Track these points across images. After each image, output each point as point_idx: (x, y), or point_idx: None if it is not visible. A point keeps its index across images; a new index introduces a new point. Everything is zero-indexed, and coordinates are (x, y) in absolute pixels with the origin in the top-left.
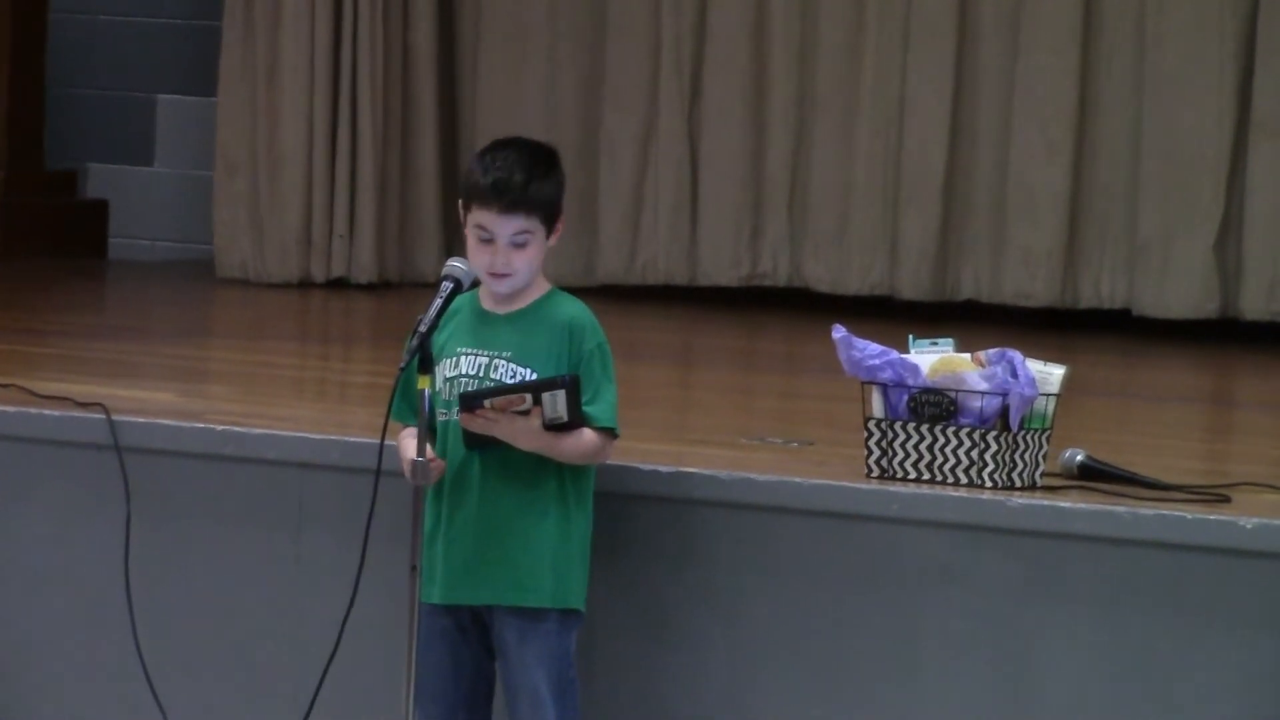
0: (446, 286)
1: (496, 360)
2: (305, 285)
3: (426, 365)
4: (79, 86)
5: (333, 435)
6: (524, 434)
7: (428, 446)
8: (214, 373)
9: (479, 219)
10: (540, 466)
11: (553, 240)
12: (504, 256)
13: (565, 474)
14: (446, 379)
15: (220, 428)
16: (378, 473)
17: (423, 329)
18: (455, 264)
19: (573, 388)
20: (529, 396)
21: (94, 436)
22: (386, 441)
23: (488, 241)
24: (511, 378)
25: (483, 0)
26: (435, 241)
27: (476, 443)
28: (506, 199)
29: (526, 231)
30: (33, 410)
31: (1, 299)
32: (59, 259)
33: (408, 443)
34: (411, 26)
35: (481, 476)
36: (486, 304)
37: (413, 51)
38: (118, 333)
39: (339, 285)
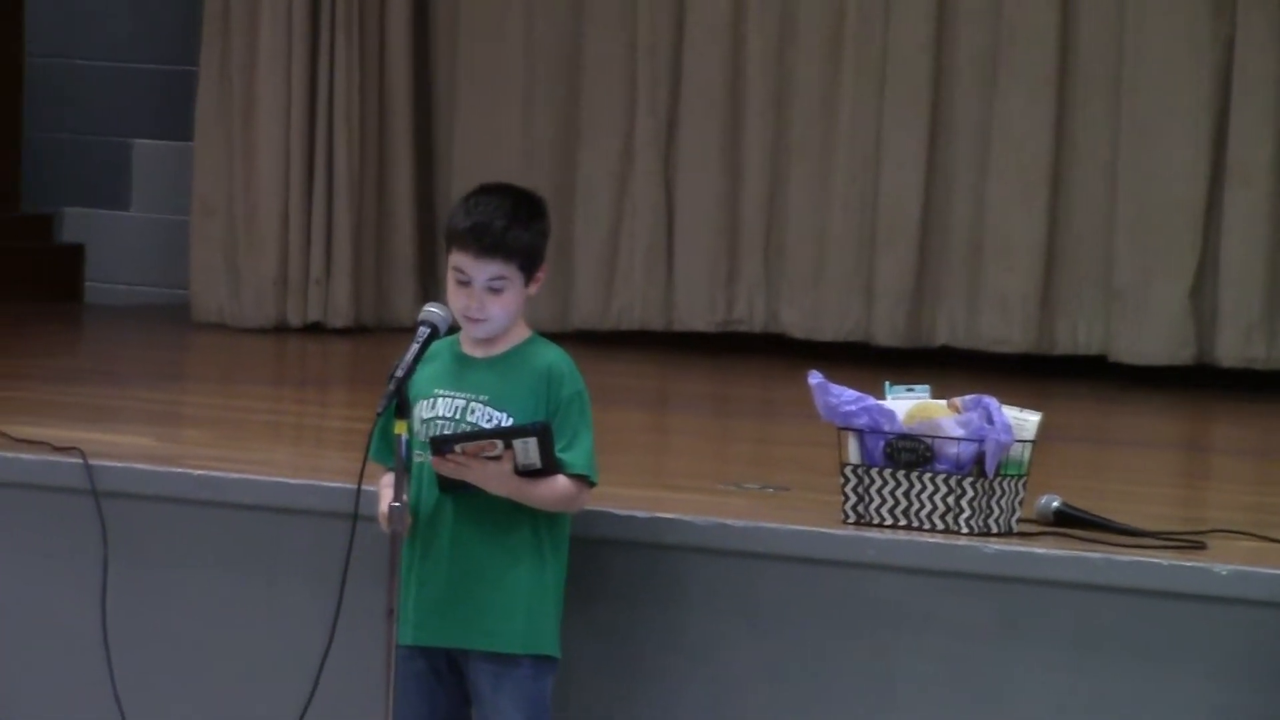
0: (423, 332)
1: (473, 403)
2: (281, 329)
3: (403, 409)
4: (55, 130)
5: (308, 480)
6: (495, 479)
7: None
8: (190, 417)
9: (457, 261)
10: (514, 512)
11: (533, 289)
12: (479, 300)
13: (540, 520)
14: (423, 420)
15: (196, 472)
16: (354, 516)
17: (399, 374)
18: (432, 309)
19: (544, 435)
20: (500, 442)
21: (71, 481)
22: (364, 486)
23: (465, 284)
24: (487, 421)
25: (459, 42)
26: (411, 285)
27: (450, 486)
28: (484, 243)
29: (503, 277)
30: (9, 454)
31: None
32: (35, 303)
33: (386, 491)
34: (388, 69)
35: (454, 520)
36: (466, 348)
37: (389, 95)
38: (94, 377)
39: (315, 330)
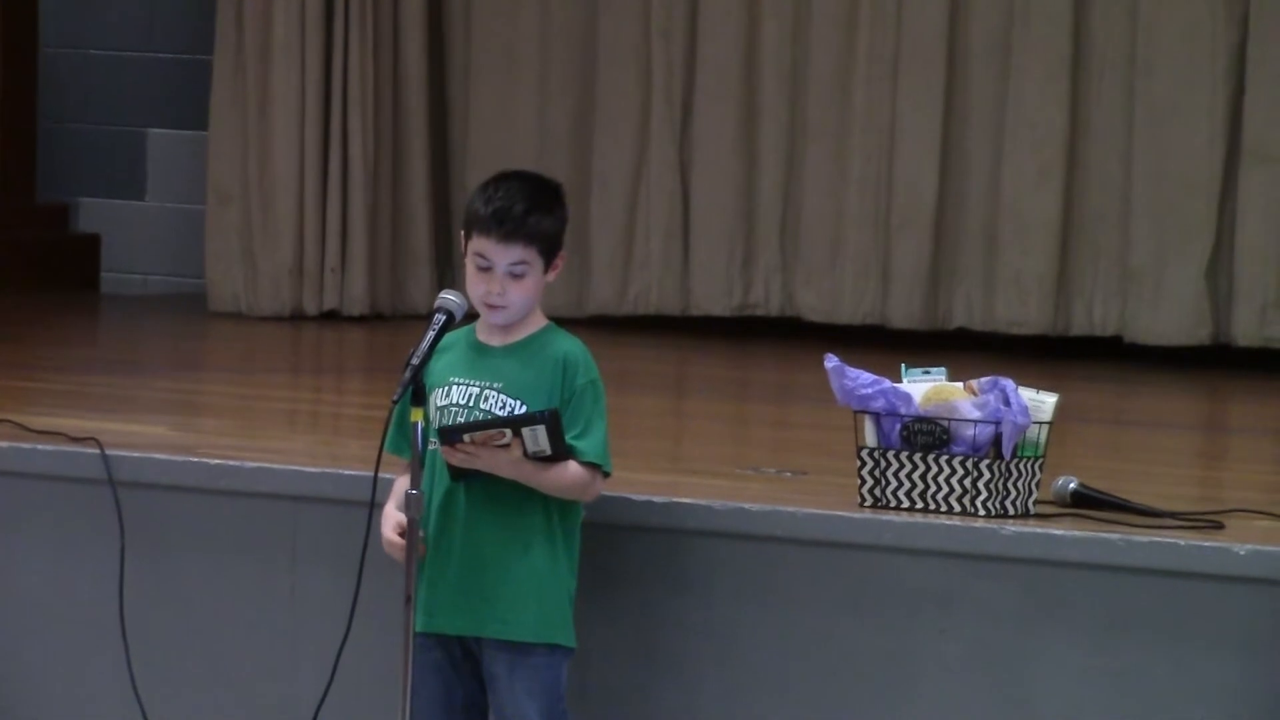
0: (439, 319)
1: (487, 390)
2: (297, 318)
3: (419, 397)
4: (70, 121)
5: (326, 468)
6: (506, 465)
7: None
8: (207, 406)
9: (478, 247)
10: (527, 500)
11: (551, 276)
12: (500, 285)
13: (552, 508)
14: (438, 408)
15: (214, 461)
16: (371, 504)
17: (415, 361)
18: (448, 296)
19: (552, 422)
20: (508, 431)
21: (88, 471)
22: (381, 474)
23: (485, 270)
24: (501, 409)
25: (473, 30)
26: (427, 273)
27: (461, 474)
28: (505, 228)
29: (524, 262)
30: (26, 445)
31: None
32: (51, 293)
33: (390, 514)
34: (402, 58)
35: (466, 508)
36: (482, 336)
37: (403, 83)
38: (111, 367)
39: (331, 317)
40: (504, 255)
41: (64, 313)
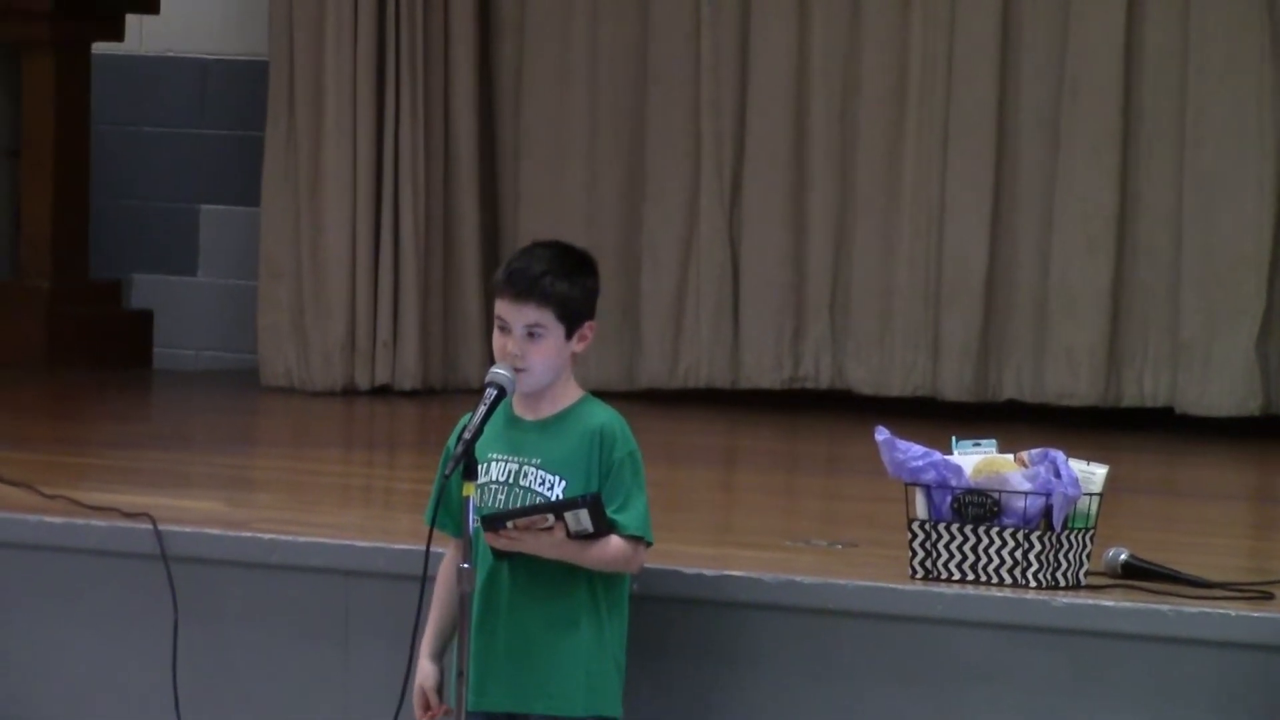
0: (490, 393)
1: (526, 467)
2: (349, 393)
3: (471, 472)
4: (123, 197)
5: (378, 543)
6: (549, 546)
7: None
8: (259, 481)
9: (497, 309)
10: (570, 575)
11: (577, 346)
12: (519, 347)
13: (597, 581)
14: (478, 485)
15: (266, 536)
16: (423, 579)
17: (467, 436)
18: (499, 370)
19: (595, 505)
20: (551, 516)
21: (141, 547)
22: (432, 548)
23: (504, 330)
24: (541, 484)
25: (523, 105)
26: (478, 347)
27: (505, 554)
28: (518, 288)
29: (540, 325)
30: (80, 521)
31: (48, 410)
32: (104, 369)
33: (422, 670)
34: (452, 134)
35: (511, 585)
36: (517, 409)
37: (454, 159)
38: (164, 442)
39: (383, 392)
40: (518, 316)
41: (117, 388)
